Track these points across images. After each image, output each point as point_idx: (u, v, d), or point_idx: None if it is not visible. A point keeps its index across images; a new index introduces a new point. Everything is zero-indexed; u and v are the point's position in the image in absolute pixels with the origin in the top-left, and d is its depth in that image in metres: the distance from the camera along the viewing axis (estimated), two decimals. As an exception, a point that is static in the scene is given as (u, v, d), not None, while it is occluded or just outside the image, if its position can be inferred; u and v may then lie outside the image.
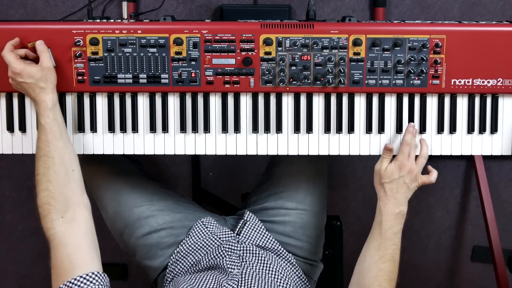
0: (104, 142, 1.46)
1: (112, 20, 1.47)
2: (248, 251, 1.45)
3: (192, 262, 1.46)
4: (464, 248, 2.35)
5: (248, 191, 1.78)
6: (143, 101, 1.45)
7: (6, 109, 1.46)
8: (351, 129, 1.45)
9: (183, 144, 1.46)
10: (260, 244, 1.49)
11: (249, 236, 1.50)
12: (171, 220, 1.54)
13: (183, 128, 1.45)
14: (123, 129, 1.45)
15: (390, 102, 1.45)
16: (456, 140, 1.46)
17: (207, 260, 1.44)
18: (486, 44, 1.40)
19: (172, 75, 1.42)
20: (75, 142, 1.45)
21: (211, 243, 1.48)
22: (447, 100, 1.45)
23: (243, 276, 1.33)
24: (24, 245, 2.34)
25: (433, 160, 1.46)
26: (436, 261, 2.36)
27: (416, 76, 1.42)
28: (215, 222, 1.55)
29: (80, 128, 1.45)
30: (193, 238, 1.51)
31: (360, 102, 1.45)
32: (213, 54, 1.41)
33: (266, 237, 1.50)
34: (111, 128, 1.46)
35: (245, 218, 1.54)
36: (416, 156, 1.42)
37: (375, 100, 1.45)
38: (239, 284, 1.30)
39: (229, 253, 1.44)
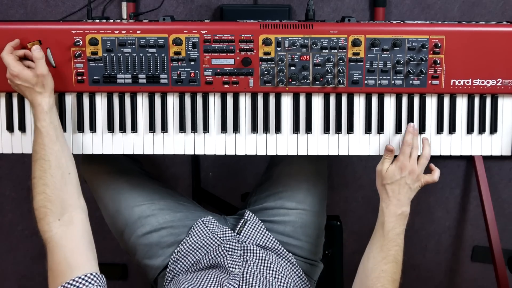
0: (104, 142, 1.46)
1: (111, 20, 1.47)
2: (248, 251, 1.45)
3: (192, 262, 1.46)
4: (464, 248, 2.35)
5: (248, 191, 1.78)
6: (142, 101, 1.45)
7: (5, 109, 1.46)
8: (350, 129, 1.45)
9: (182, 144, 1.46)
10: (261, 243, 1.49)
11: (249, 235, 1.50)
12: (171, 219, 1.54)
13: (182, 128, 1.45)
14: (122, 129, 1.46)
15: (390, 102, 1.45)
16: (456, 141, 1.46)
17: (207, 259, 1.44)
18: (485, 44, 1.40)
19: (171, 75, 1.43)
20: (74, 142, 1.45)
21: (212, 243, 1.48)
22: (446, 101, 1.45)
23: (244, 275, 1.33)
24: (24, 245, 2.35)
25: (433, 160, 1.46)
26: (436, 261, 2.36)
27: (416, 76, 1.42)
28: (215, 222, 1.55)
29: (80, 128, 1.45)
30: (193, 237, 1.51)
31: (359, 102, 1.45)
32: (212, 54, 1.41)
33: (266, 237, 1.50)
34: (111, 128, 1.46)
35: (246, 217, 1.54)
36: (418, 156, 1.42)
37: (374, 100, 1.45)
38: (241, 284, 1.30)
39: (230, 252, 1.44)
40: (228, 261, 1.40)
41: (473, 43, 1.40)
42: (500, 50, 1.41)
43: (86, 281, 1.16)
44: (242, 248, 1.45)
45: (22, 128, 1.46)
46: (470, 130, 1.45)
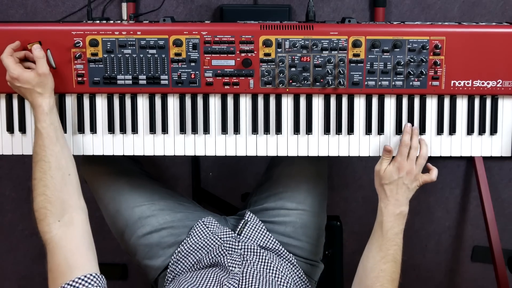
0: (104, 143, 1.46)
1: (111, 21, 1.47)
2: (248, 250, 1.45)
3: (193, 262, 1.46)
4: (464, 248, 2.35)
5: (248, 191, 1.78)
6: (142, 102, 1.45)
7: (6, 110, 1.46)
8: (350, 130, 1.45)
9: (182, 145, 1.46)
10: (261, 244, 1.49)
11: (250, 236, 1.50)
12: (172, 220, 1.54)
13: (182, 129, 1.45)
14: (122, 130, 1.46)
15: (390, 103, 1.45)
16: (456, 141, 1.46)
17: (208, 259, 1.44)
18: (486, 45, 1.40)
19: (172, 76, 1.42)
20: (74, 143, 1.46)
21: (212, 243, 1.48)
22: (446, 102, 1.45)
23: (244, 275, 1.33)
24: (24, 245, 2.35)
25: (433, 160, 1.46)
26: (436, 261, 2.36)
27: (416, 77, 1.42)
28: (216, 222, 1.55)
29: (80, 129, 1.45)
30: (194, 237, 1.51)
31: (359, 103, 1.45)
32: (213, 55, 1.41)
33: (266, 238, 1.50)
34: (111, 129, 1.46)
35: (246, 218, 1.54)
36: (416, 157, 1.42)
37: (374, 101, 1.45)
38: (240, 283, 1.30)
39: (230, 252, 1.44)
40: (228, 260, 1.40)
41: (474, 44, 1.40)
42: (500, 51, 1.41)
43: (86, 281, 1.16)
44: (242, 247, 1.45)
45: (22, 129, 1.46)
46: (470, 131, 1.45)
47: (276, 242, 1.51)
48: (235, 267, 1.38)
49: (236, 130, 1.45)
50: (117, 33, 1.41)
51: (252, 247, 1.46)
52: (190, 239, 1.51)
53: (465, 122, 1.46)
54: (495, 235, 2.06)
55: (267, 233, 1.52)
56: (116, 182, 1.58)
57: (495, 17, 2.12)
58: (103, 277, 1.20)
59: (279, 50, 1.41)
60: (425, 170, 1.43)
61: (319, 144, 1.46)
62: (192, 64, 1.42)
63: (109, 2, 2.12)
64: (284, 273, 1.42)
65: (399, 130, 1.45)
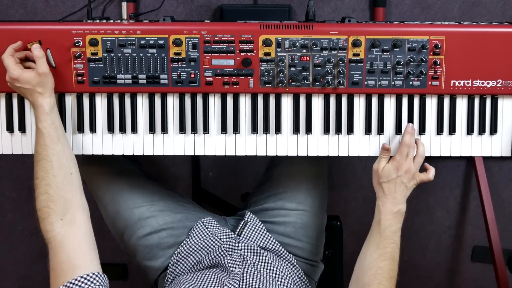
0: (104, 143, 1.46)
1: (111, 21, 1.47)
2: (248, 250, 1.45)
3: (193, 263, 1.46)
4: (464, 248, 2.35)
5: (248, 191, 1.78)
6: (142, 102, 1.45)
7: (5, 109, 1.46)
8: (350, 130, 1.45)
9: (182, 144, 1.46)
10: (261, 245, 1.49)
11: (249, 237, 1.50)
12: (171, 221, 1.54)
13: (182, 129, 1.45)
14: (122, 129, 1.46)
15: (390, 103, 1.45)
16: (456, 141, 1.46)
17: (208, 260, 1.44)
18: (485, 45, 1.40)
19: (172, 76, 1.42)
20: (74, 142, 1.45)
21: (212, 244, 1.48)
22: (446, 101, 1.45)
23: (245, 275, 1.33)
24: (24, 245, 2.35)
25: (433, 160, 1.46)
26: (436, 261, 2.36)
27: (416, 77, 1.42)
28: (215, 223, 1.55)
29: (80, 128, 1.45)
30: (193, 238, 1.51)
31: (359, 103, 1.45)
32: (213, 55, 1.41)
33: (266, 238, 1.50)
34: (111, 129, 1.46)
35: (246, 219, 1.54)
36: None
37: (374, 101, 1.45)
38: (241, 283, 1.30)
39: (230, 252, 1.44)
40: (228, 261, 1.40)
41: (473, 44, 1.40)
42: (500, 51, 1.41)
43: (89, 280, 1.16)
44: (242, 248, 1.45)
45: (22, 128, 1.46)
46: (470, 131, 1.45)
47: (276, 242, 1.50)
48: (235, 268, 1.37)
49: (236, 129, 1.45)
50: (117, 32, 1.41)
51: (252, 248, 1.46)
52: (189, 240, 1.51)
53: (465, 122, 1.46)
54: (495, 235, 2.06)
55: (267, 233, 1.51)
56: (116, 182, 1.58)
57: (495, 17, 2.12)
58: (106, 276, 1.20)
59: (279, 49, 1.41)
60: (423, 169, 1.44)
61: (319, 144, 1.46)
62: (192, 63, 1.42)
63: (109, 1, 2.12)
64: (284, 274, 1.42)
65: (398, 130, 1.45)
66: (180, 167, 2.28)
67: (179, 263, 1.48)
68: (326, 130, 1.45)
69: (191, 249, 1.49)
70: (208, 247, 1.48)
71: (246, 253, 1.44)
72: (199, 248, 1.48)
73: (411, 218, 2.31)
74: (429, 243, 2.35)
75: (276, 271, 1.41)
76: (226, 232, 1.51)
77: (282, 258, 1.49)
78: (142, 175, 1.65)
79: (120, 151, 1.47)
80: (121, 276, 2.37)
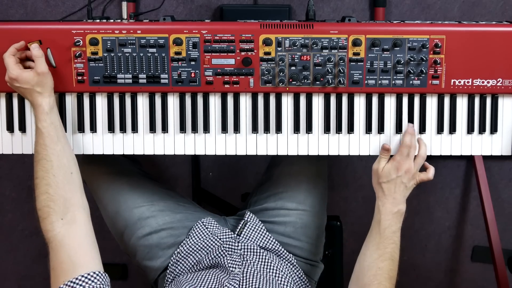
0: (104, 142, 1.46)
1: (111, 20, 1.47)
2: (248, 250, 1.45)
3: (192, 263, 1.46)
4: (464, 248, 2.35)
5: (248, 191, 1.78)
6: (142, 101, 1.45)
7: (6, 109, 1.46)
8: (350, 129, 1.45)
9: (182, 144, 1.46)
10: (261, 244, 1.49)
11: (249, 236, 1.50)
12: (171, 221, 1.54)
13: (182, 128, 1.45)
14: (122, 129, 1.45)
15: (390, 102, 1.45)
16: (456, 140, 1.46)
17: (208, 260, 1.44)
18: (486, 44, 1.40)
19: (172, 75, 1.42)
20: (74, 142, 1.45)
21: (212, 244, 1.48)
22: (446, 100, 1.45)
23: (245, 275, 1.33)
24: (24, 245, 2.35)
25: (433, 160, 1.46)
26: (436, 261, 2.36)
27: (416, 76, 1.42)
28: (215, 223, 1.55)
29: (80, 128, 1.45)
30: (193, 238, 1.51)
31: (359, 102, 1.45)
32: (213, 54, 1.41)
33: (266, 238, 1.50)
34: (111, 128, 1.46)
35: (246, 218, 1.54)
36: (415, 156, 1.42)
37: (374, 100, 1.45)
38: (241, 283, 1.30)
39: (230, 252, 1.44)
40: (228, 261, 1.40)
41: (474, 43, 1.40)
42: (500, 50, 1.41)
43: (89, 279, 1.16)
44: (242, 247, 1.45)
45: (22, 128, 1.45)
46: (470, 130, 1.45)
47: (276, 242, 1.50)
48: (235, 268, 1.37)
49: (236, 129, 1.45)
50: (117, 32, 1.41)
51: (252, 247, 1.46)
52: (189, 240, 1.51)
53: (465, 121, 1.46)
54: (495, 235, 2.06)
55: (267, 233, 1.51)
56: (116, 182, 1.58)
57: (495, 17, 2.13)
58: (107, 275, 1.20)
59: (279, 49, 1.41)
60: (422, 168, 1.44)
61: (319, 143, 1.46)
62: (192, 63, 1.42)
63: (109, 1, 2.12)
64: (284, 273, 1.42)
65: (399, 129, 1.45)
66: (180, 167, 2.28)
67: (179, 263, 1.48)
68: (327, 129, 1.45)
69: (191, 249, 1.49)
70: (208, 247, 1.48)
71: (246, 253, 1.44)
72: (199, 248, 1.48)
73: (411, 218, 2.31)
74: (429, 243, 2.35)
75: (276, 270, 1.41)
76: (226, 232, 1.51)
77: (282, 258, 1.49)
78: (142, 175, 1.65)
79: (120, 150, 1.46)
80: (121, 276, 2.37)
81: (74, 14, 2.12)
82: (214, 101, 1.45)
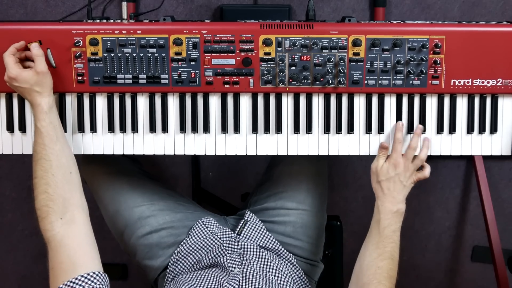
0: (104, 142, 1.46)
1: (111, 21, 1.47)
2: (248, 249, 1.45)
3: (192, 262, 1.46)
4: (464, 248, 2.35)
5: (248, 191, 1.78)
6: (142, 102, 1.45)
7: (6, 109, 1.46)
8: (350, 129, 1.45)
9: (182, 144, 1.46)
10: (261, 244, 1.49)
11: (249, 236, 1.50)
12: (171, 220, 1.54)
13: (182, 129, 1.45)
14: (122, 129, 1.46)
15: (390, 102, 1.45)
16: (456, 140, 1.46)
17: (208, 259, 1.44)
18: (485, 44, 1.40)
19: (172, 76, 1.43)
20: (74, 142, 1.45)
21: (212, 243, 1.48)
22: (446, 100, 1.45)
23: (244, 275, 1.33)
24: (24, 245, 2.35)
25: (433, 160, 1.47)
26: (436, 261, 2.36)
27: (416, 76, 1.42)
28: (215, 222, 1.55)
29: (80, 128, 1.45)
30: (193, 238, 1.51)
31: (359, 102, 1.45)
32: (213, 54, 1.41)
33: (266, 238, 1.50)
34: (111, 129, 1.46)
35: (246, 218, 1.54)
36: (414, 157, 1.42)
37: (374, 100, 1.45)
38: (240, 283, 1.30)
39: (229, 251, 1.44)
40: (228, 260, 1.40)
41: (473, 43, 1.40)
42: (500, 50, 1.41)
43: (89, 279, 1.16)
44: (242, 247, 1.45)
45: (22, 128, 1.46)
46: (470, 130, 1.45)
47: (276, 242, 1.50)
48: (234, 268, 1.37)
49: (236, 129, 1.45)
50: (117, 32, 1.41)
51: (252, 247, 1.46)
52: (189, 239, 1.51)
53: (465, 121, 1.46)
54: (495, 235, 2.06)
55: (267, 233, 1.51)
56: (116, 182, 1.58)
57: (495, 17, 2.13)
58: (106, 275, 1.20)
59: (279, 49, 1.41)
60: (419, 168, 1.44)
61: (319, 143, 1.46)
62: (192, 63, 1.42)
63: (109, 1, 2.13)
64: (284, 273, 1.42)
65: (399, 129, 1.45)
66: (180, 167, 2.28)
67: (178, 262, 1.48)
68: (327, 129, 1.45)
69: (191, 248, 1.49)
70: (207, 246, 1.48)
71: (245, 252, 1.44)
72: (199, 247, 1.48)
73: (411, 218, 2.31)
74: (429, 243, 2.35)
75: (276, 270, 1.41)
76: (226, 232, 1.51)
77: (282, 258, 1.49)
78: (142, 175, 1.65)
79: (120, 151, 1.47)
80: (121, 276, 2.37)
81: (74, 14, 2.12)
82: (214, 101, 1.45)
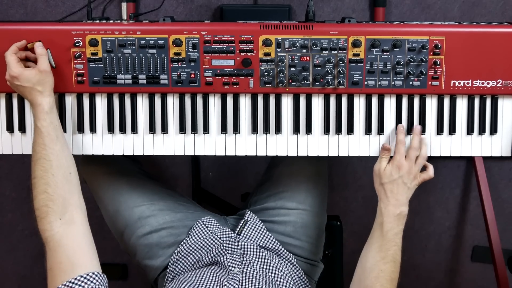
0: (104, 143, 1.46)
1: (111, 21, 1.47)
2: (248, 249, 1.45)
3: (192, 262, 1.46)
4: (464, 248, 2.35)
5: (248, 191, 1.78)
6: (142, 102, 1.45)
7: (5, 109, 1.46)
8: (350, 130, 1.45)
9: (182, 144, 1.46)
10: (261, 244, 1.49)
11: (249, 236, 1.50)
12: (171, 220, 1.54)
13: (182, 129, 1.45)
14: (122, 129, 1.46)
15: (390, 103, 1.45)
16: (456, 141, 1.46)
17: (207, 259, 1.44)
18: (485, 45, 1.40)
19: (172, 76, 1.42)
20: (74, 142, 1.46)
21: (212, 243, 1.48)
22: (446, 101, 1.45)
23: (244, 275, 1.33)
24: (24, 245, 2.35)
25: (433, 160, 1.46)
26: (436, 261, 2.36)
27: (416, 77, 1.42)
28: (215, 222, 1.55)
29: (80, 128, 1.45)
30: (193, 237, 1.51)
31: (359, 103, 1.45)
32: (213, 55, 1.41)
33: (266, 238, 1.50)
34: (111, 129, 1.46)
35: (246, 218, 1.54)
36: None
37: (374, 101, 1.45)
38: (240, 283, 1.30)
39: (230, 251, 1.44)
40: (228, 260, 1.40)
41: (473, 44, 1.40)
42: (500, 51, 1.41)
43: (88, 280, 1.16)
44: (242, 246, 1.45)
45: (22, 128, 1.46)
46: (470, 131, 1.45)
47: (276, 242, 1.51)
48: (234, 267, 1.37)
49: (236, 129, 1.45)
50: (117, 32, 1.41)
51: (252, 247, 1.46)
52: (189, 239, 1.51)
53: (465, 122, 1.46)
54: (495, 235, 2.06)
55: (267, 233, 1.51)
56: (116, 182, 1.58)
57: (495, 17, 2.12)
58: (105, 276, 1.20)
59: (279, 49, 1.41)
60: (422, 168, 1.43)
61: (319, 144, 1.46)
62: (192, 63, 1.42)
63: (109, 2, 2.12)
64: (284, 273, 1.42)
65: (399, 130, 1.45)
66: (180, 167, 2.29)
67: (178, 262, 1.48)
68: (326, 130, 1.45)
69: (191, 248, 1.49)
70: (207, 246, 1.48)
71: (245, 253, 1.44)
72: (199, 247, 1.49)
73: (412, 218, 2.28)
74: (429, 243, 2.35)
75: (276, 270, 1.41)
76: (226, 231, 1.51)
77: (282, 258, 1.49)
78: (142, 175, 1.65)
79: (120, 151, 1.47)
80: (121, 276, 2.37)
81: (74, 15, 2.12)
82: (214, 102, 1.45)
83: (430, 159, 1.44)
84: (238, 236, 1.50)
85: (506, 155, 1.47)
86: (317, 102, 1.45)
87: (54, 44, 1.40)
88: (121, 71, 1.42)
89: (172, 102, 1.45)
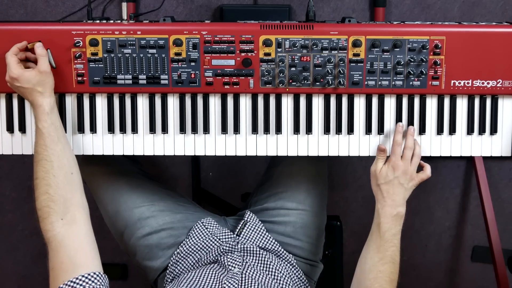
0: (104, 143, 1.46)
1: (111, 21, 1.47)
2: (248, 251, 1.45)
3: (192, 263, 1.46)
4: (464, 248, 2.35)
5: (248, 191, 1.78)
6: (142, 102, 1.45)
7: (6, 110, 1.46)
8: (350, 130, 1.45)
9: (182, 145, 1.46)
10: (260, 245, 1.49)
11: (249, 237, 1.50)
12: (171, 221, 1.54)
13: (182, 129, 1.45)
14: (122, 130, 1.46)
15: (390, 103, 1.45)
16: (456, 141, 1.46)
17: (207, 260, 1.44)
18: (486, 45, 1.40)
19: (172, 76, 1.42)
20: (74, 142, 1.46)
21: (211, 244, 1.48)
22: (446, 101, 1.45)
23: (244, 276, 1.33)
24: (24, 245, 2.35)
25: (433, 160, 1.47)
26: (436, 261, 2.36)
27: (416, 77, 1.42)
28: (215, 223, 1.55)
29: (80, 129, 1.45)
30: (193, 239, 1.51)
31: (359, 103, 1.45)
32: (213, 55, 1.41)
33: (266, 238, 1.50)
34: (111, 129, 1.46)
35: (246, 218, 1.54)
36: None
37: (374, 101, 1.45)
38: (240, 283, 1.30)
39: (229, 252, 1.44)
40: (228, 259, 1.40)
41: (474, 44, 1.40)
42: (500, 51, 1.41)
43: (89, 279, 1.16)
44: (242, 249, 1.45)
45: (22, 129, 1.46)
46: (470, 131, 1.45)
47: (276, 242, 1.50)
48: (234, 267, 1.37)
49: (236, 130, 1.45)
50: (117, 32, 1.41)
51: (251, 248, 1.46)
52: (189, 240, 1.51)
53: (465, 122, 1.46)
54: (495, 235, 2.06)
55: (267, 233, 1.51)
56: (116, 182, 1.58)
57: (495, 17, 2.12)
58: (106, 276, 1.20)
59: (279, 49, 1.41)
60: (419, 168, 1.43)
61: (319, 144, 1.46)
62: (192, 63, 1.42)
63: (109, 2, 2.12)
64: (283, 274, 1.42)
65: (399, 130, 1.45)
66: (180, 167, 2.28)
67: (178, 263, 1.48)
68: (327, 130, 1.45)
69: (190, 249, 1.49)
70: (207, 247, 1.48)
71: (245, 254, 1.44)
72: (199, 248, 1.48)
73: (411, 218, 2.31)
74: (429, 243, 2.35)
75: (275, 271, 1.41)
76: (225, 233, 1.51)
77: (281, 259, 1.49)
78: (142, 175, 1.65)
79: (120, 151, 1.47)
80: (121, 276, 2.37)
81: (74, 15, 2.12)
82: (214, 102, 1.45)
83: (431, 159, 1.45)
84: (237, 237, 1.50)
85: (506, 155, 1.47)
86: (318, 102, 1.45)
87: (54, 44, 1.40)
88: (121, 71, 1.42)
89: (173, 102, 1.45)
